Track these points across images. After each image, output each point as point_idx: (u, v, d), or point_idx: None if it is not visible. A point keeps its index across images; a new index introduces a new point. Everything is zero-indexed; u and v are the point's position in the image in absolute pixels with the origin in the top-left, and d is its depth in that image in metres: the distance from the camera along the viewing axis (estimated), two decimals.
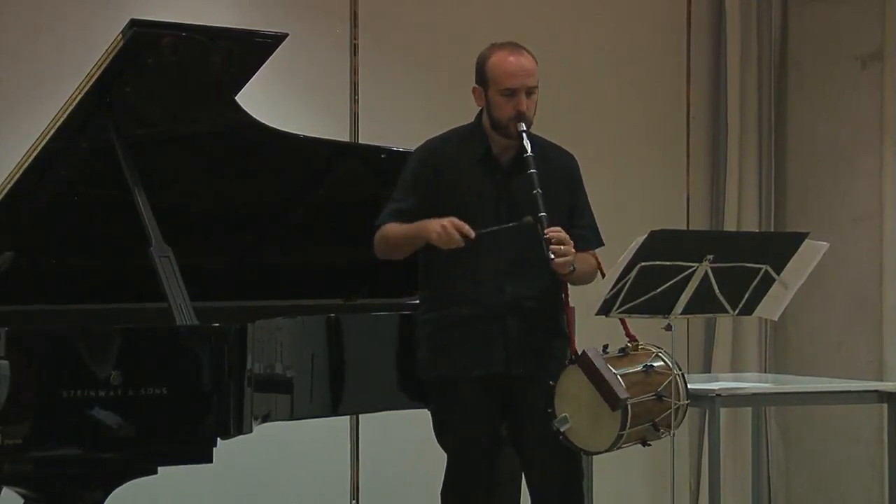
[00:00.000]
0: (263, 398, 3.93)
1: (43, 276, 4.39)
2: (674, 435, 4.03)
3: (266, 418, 3.97)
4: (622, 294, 3.95)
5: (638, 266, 3.90)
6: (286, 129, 4.41)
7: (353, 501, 6.06)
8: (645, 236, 3.88)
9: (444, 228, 3.93)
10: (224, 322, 3.78)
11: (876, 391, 4.86)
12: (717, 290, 4.04)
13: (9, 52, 5.46)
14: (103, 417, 3.56)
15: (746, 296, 4.11)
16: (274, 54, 4.03)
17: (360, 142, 5.93)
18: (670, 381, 3.97)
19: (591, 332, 4.18)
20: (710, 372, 6.60)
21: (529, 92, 4.06)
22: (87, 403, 3.54)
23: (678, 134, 6.82)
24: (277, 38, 3.99)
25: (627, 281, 3.92)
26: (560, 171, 4.17)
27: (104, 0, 5.53)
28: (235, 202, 4.59)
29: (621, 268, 3.92)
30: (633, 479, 6.51)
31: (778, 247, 4.12)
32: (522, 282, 4.09)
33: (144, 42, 3.79)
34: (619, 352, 4.04)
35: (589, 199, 4.27)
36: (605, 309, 3.99)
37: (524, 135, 4.03)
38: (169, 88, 4.05)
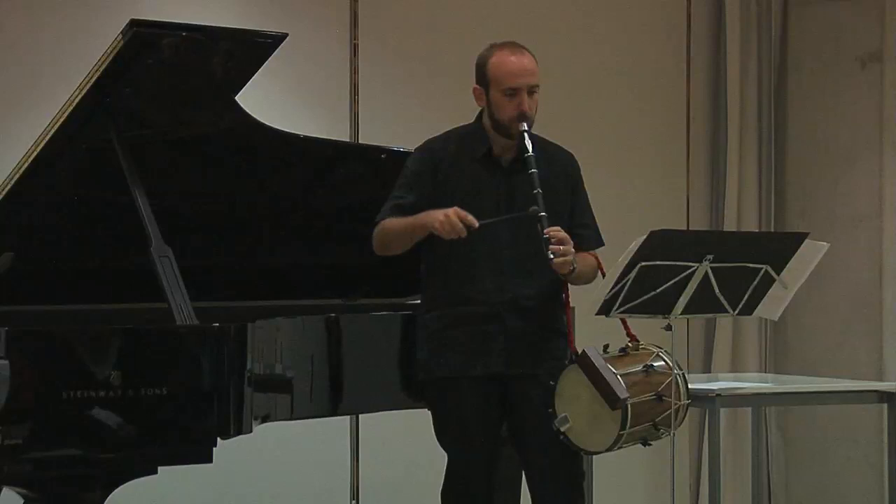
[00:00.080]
0: (263, 398, 3.93)
1: (43, 276, 4.38)
2: (674, 435, 4.03)
3: (266, 418, 3.97)
4: (622, 294, 3.95)
5: (638, 266, 3.90)
6: (286, 129, 4.41)
7: (353, 501, 6.06)
8: (645, 236, 3.88)
9: (448, 217, 3.93)
10: (224, 322, 3.78)
11: (876, 391, 4.86)
12: (717, 290, 4.04)
13: (9, 52, 5.46)
14: (103, 418, 3.56)
15: (746, 296, 4.11)
16: (274, 54, 4.02)
17: (360, 142, 5.93)
18: (671, 381, 3.97)
19: (592, 332, 4.18)
20: (710, 372, 6.60)
21: (531, 91, 4.06)
22: (86, 404, 3.54)
23: (678, 134, 6.82)
24: (277, 38, 3.98)
25: (627, 281, 3.92)
26: (560, 170, 4.18)
27: (104, 0, 5.53)
28: (235, 202, 4.59)
29: (621, 268, 3.92)
30: (633, 479, 6.51)
31: (778, 247, 4.12)
32: (522, 281, 4.09)
33: (144, 42, 3.79)
34: (620, 351, 4.04)
35: (589, 199, 4.27)
36: (605, 309, 3.99)
37: (525, 135, 4.03)
38: (169, 88, 4.05)
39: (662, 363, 4.02)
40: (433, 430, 4.21)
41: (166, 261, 3.87)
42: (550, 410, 3.98)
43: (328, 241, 4.87)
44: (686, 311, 4.06)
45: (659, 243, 3.90)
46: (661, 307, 4.03)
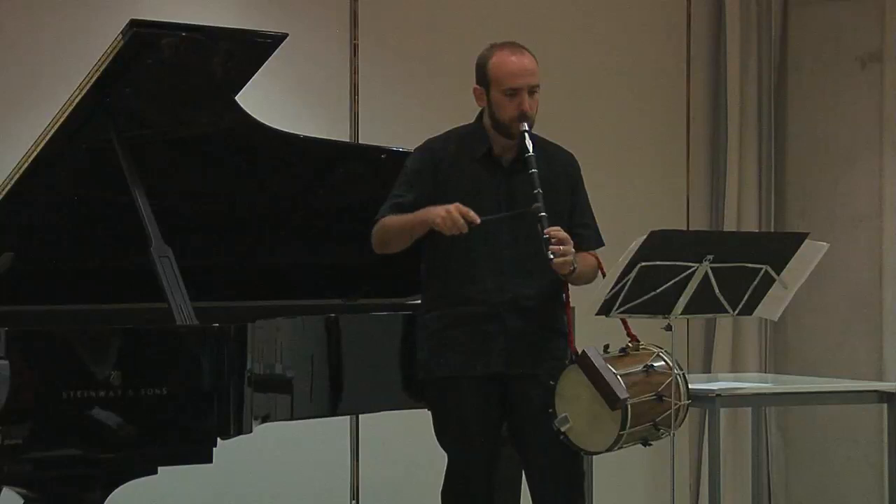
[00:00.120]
0: (263, 398, 3.93)
1: (43, 276, 4.38)
2: (674, 435, 4.03)
3: (266, 418, 3.97)
4: (622, 294, 3.95)
5: (638, 266, 3.90)
6: (286, 129, 4.40)
7: (353, 501, 6.06)
8: (645, 236, 3.88)
9: (449, 213, 3.93)
10: (224, 322, 3.78)
11: (876, 391, 4.86)
12: (717, 290, 4.04)
13: (9, 52, 5.46)
14: (103, 418, 3.56)
15: (746, 296, 4.11)
16: (274, 54, 4.02)
17: (360, 142, 5.93)
18: (671, 381, 3.97)
19: (592, 332, 4.18)
20: (710, 372, 6.60)
21: (532, 91, 4.06)
22: (86, 404, 3.54)
23: (678, 134, 6.81)
24: (277, 38, 3.98)
25: (627, 281, 3.92)
26: (561, 170, 4.18)
27: (104, 0, 5.53)
28: (235, 202, 4.59)
29: (621, 268, 3.92)
30: (633, 479, 6.51)
31: (778, 247, 4.12)
32: (522, 281, 4.09)
33: (144, 42, 3.79)
34: (620, 351, 4.04)
35: (589, 198, 4.27)
36: (605, 309, 3.99)
37: (526, 134, 4.03)
38: (169, 88, 4.05)
39: (663, 363, 4.02)
40: (433, 430, 4.21)
41: (166, 261, 3.87)
42: (551, 410, 3.98)
43: (328, 241, 4.87)
44: (686, 311, 4.06)
45: (659, 243, 3.90)
46: (661, 307, 4.03)
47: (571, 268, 3.95)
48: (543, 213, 3.92)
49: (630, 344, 4.07)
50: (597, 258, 4.17)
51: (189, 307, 3.81)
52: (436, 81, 6.09)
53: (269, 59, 4.04)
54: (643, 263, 3.90)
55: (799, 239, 4.10)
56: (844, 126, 6.64)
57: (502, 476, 4.33)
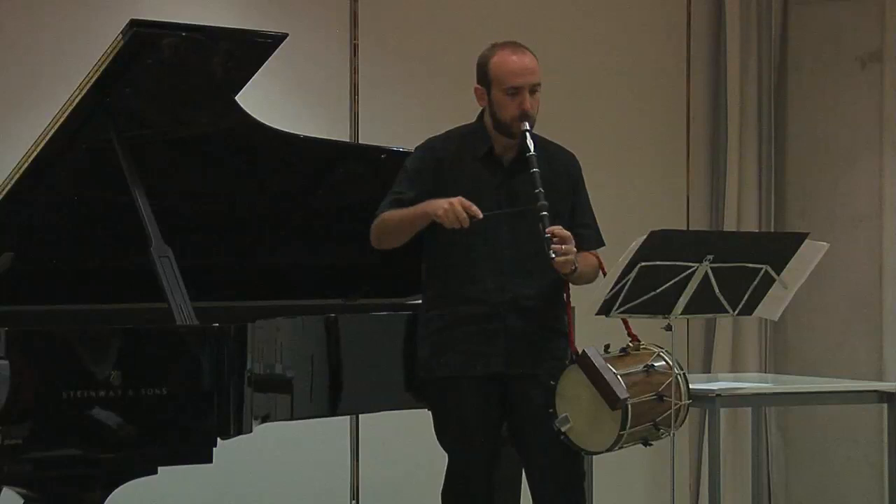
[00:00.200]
0: (263, 398, 3.93)
1: (43, 276, 4.38)
2: (674, 435, 4.03)
3: (266, 418, 3.97)
4: (622, 294, 3.95)
5: (638, 266, 3.90)
6: (286, 129, 4.40)
7: (353, 501, 6.06)
8: (645, 236, 3.87)
9: (452, 205, 3.92)
10: (224, 322, 3.78)
11: (876, 391, 4.86)
12: (717, 290, 4.04)
13: (9, 52, 5.46)
14: (103, 418, 3.56)
15: (746, 296, 4.11)
16: (274, 54, 4.02)
17: (360, 142, 5.93)
18: (671, 381, 3.97)
19: (593, 331, 4.18)
20: (710, 372, 6.60)
21: (533, 90, 4.06)
22: (86, 404, 3.54)
23: (678, 134, 6.82)
24: (277, 38, 3.98)
25: (627, 281, 3.92)
26: (562, 170, 4.18)
27: (104, 0, 5.53)
28: (235, 202, 4.58)
29: (621, 268, 3.92)
30: (633, 479, 6.51)
31: (778, 247, 4.12)
32: (523, 281, 4.09)
33: (144, 42, 3.78)
34: (621, 351, 4.04)
35: (590, 198, 4.27)
36: (605, 309, 3.99)
37: (527, 134, 4.03)
38: (169, 88, 4.04)
39: (663, 363, 4.02)
40: (433, 430, 4.21)
41: (166, 261, 3.87)
42: (551, 410, 3.98)
43: (328, 241, 4.87)
44: (686, 311, 4.06)
45: (659, 243, 3.89)
46: (661, 307, 4.03)
47: (573, 267, 3.95)
48: (545, 213, 3.92)
49: (631, 344, 4.07)
50: (598, 258, 4.17)
51: (189, 307, 3.80)
52: (436, 81, 6.09)
53: (269, 59, 4.04)
54: (643, 263, 3.90)
55: (799, 239, 4.10)
56: (844, 126, 6.64)
57: (502, 476, 4.33)
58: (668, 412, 3.97)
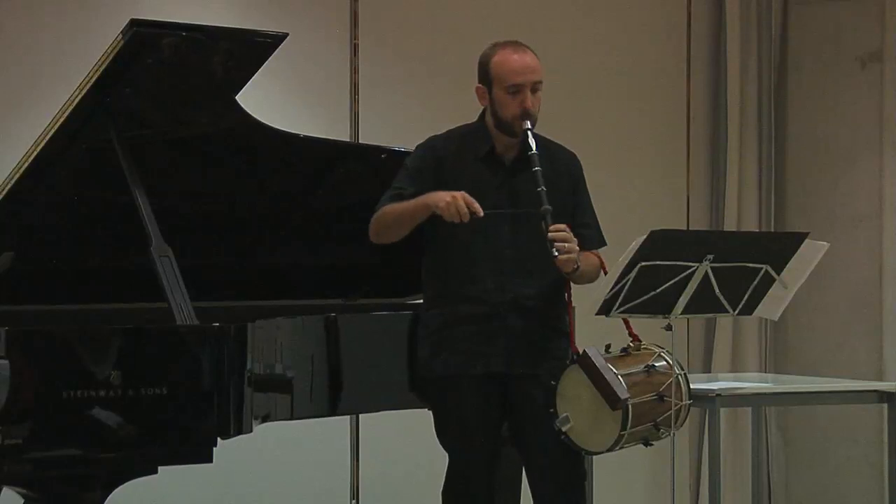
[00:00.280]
0: (263, 398, 3.93)
1: (43, 276, 4.38)
2: (674, 435, 4.03)
3: (266, 418, 3.97)
4: (622, 294, 3.95)
5: (638, 266, 3.90)
6: (286, 129, 4.40)
7: (353, 501, 6.06)
8: (645, 236, 3.87)
9: (455, 199, 3.92)
10: (224, 322, 3.78)
11: (876, 391, 4.86)
12: (717, 290, 4.03)
13: (9, 52, 5.46)
14: (103, 417, 3.55)
15: (746, 296, 4.10)
16: (274, 54, 4.02)
17: (360, 142, 5.93)
18: (672, 382, 3.97)
19: (594, 331, 4.18)
20: (710, 372, 6.60)
21: (534, 89, 4.06)
22: (86, 403, 3.54)
23: (678, 134, 6.82)
24: (277, 38, 3.98)
25: (627, 281, 3.92)
26: (563, 170, 4.17)
27: (104, 0, 5.53)
28: (235, 202, 4.59)
29: (621, 268, 3.92)
30: (633, 479, 6.51)
31: (778, 247, 4.12)
32: (523, 281, 4.09)
33: (144, 42, 3.78)
34: (622, 351, 4.04)
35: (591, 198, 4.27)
36: (605, 309, 3.99)
37: (529, 132, 4.03)
38: (169, 88, 4.04)
39: (664, 363, 4.02)
40: (433, 430, 4.21)
41: (166, 260, 3.87)
42: (552, 410, 3.98)
43: (328, 241, 4.87)
44: (686, 311, 4.06)
45: (659, 243, 3.89)
46: (661, 307, 4.03)
47: (575, 265, 3.94)
48: (548, 207, 3.91)
49: (632, 344, 4.07)
50: (599, 257, 4.16)
51: (189, 307, 3.80)
52: (436, 81, 6.09)
53: (269, 59, 4.04)
54: (643, 263, 3.90)
55: (799, 239, 4.10)
56: (844, 126, 6.64)
57: (502, 476, 4.33)
58: (669, 412, 3.97)
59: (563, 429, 3.97)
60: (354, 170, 4.67)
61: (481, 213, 3.92)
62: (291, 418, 4.18)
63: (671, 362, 4.01)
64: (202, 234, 4.53)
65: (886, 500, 4.87)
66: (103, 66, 3.80)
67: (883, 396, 4.79)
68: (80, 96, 3.85)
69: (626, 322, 4.13)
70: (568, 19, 6.53)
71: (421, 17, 6.23)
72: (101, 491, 3.61)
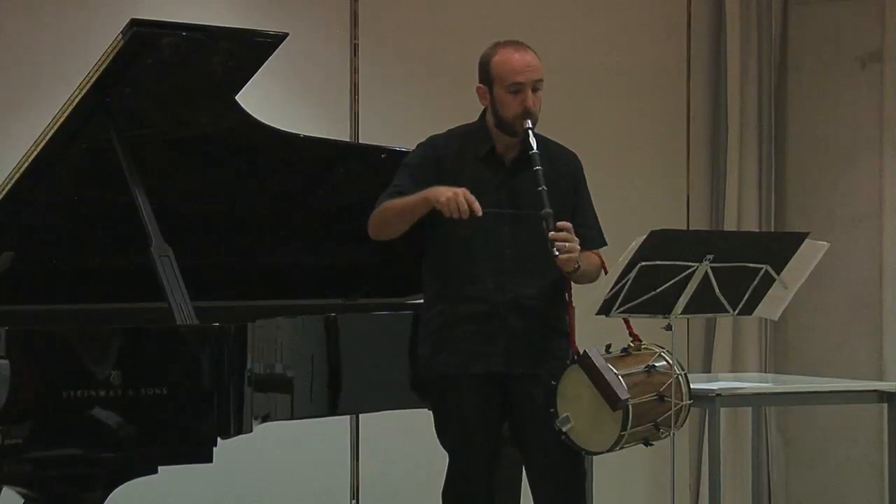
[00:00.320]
0: (263, 398, 3.93)
1: (43, 276, 4.38)
2: (674, 435, 4.03)
3: (266, 418, 3.97)
4: (622, 294, 3.94)
5: (638, 266, 3.90)
6: (286, 129, 4.40)
7: (353, 501, 6.06)
8: (645, 236, 3.87)
9: (456, 195, 3.90)
10: (224, 322, 3.78)
11: (876, 391, 4.86)
12: (717, 290, 4.03)
13: (9, 52, 5.46)
14: (103, 417, 3.55)
15: (746, 296, 4.10)
16: (274, 54, 4.02)
17: (360, 142, 5.93)
18: (672, 382, 3.97)
19: (594, 331, 4.18)
20: (710, 372, 6.60)
21: (535, 87, 4.05)
22: (86, 403, 3.54)
23: (678, 134, 6.82)
24: (277, 38, 3.98)
25: (627, 281, 3.92)
26: (563, 170, 4.17)
27: (104, 0, 5.53)
28: (235, 202, 4.58)
29: (621, 268, 3.92)
30: (633, 479, 6.51)
31: (778, 247, 4.12)
32: (523, 281, 4.09)
33: (144, 42, 3.78)
34: (622, 352, 4.04)
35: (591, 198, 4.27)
36: (605, 309, 3.99)
37: (530, 132, 4.02)
38: (169, 88, 4.04)
39: (664, 363, 4.02)
40: (433, 430, 4.20)
41: (166, 260, 3.87)
42: (552, 410, 3.98)
43: (328, 241, 4.86)
44: (686, 311, 4.06)
45: (659, 243, 3.89)
46: (661, 307, 4.03)
47: (576, 265, 3.94)
48: (549, 211, 3.91)
49: (632, 344, 4.07)
50: (600, 257, 4.16)
51: (189, 307, 3.80)
52: (436, 81, 6.09)
53: (269, 59, 4.04)
54: (643, 263, 3.90)
55: (799, 239, 4.10)
56: (844, 126, 6.64)
57: (502, 476, 4.32)
58: (669, 412, 3.97)
59: (564, 429, 3.97)
60: (354, 170, 4.67)
61: (479, 213, 3.92)
62: (291, 418, 4.18)
63: (671, 362, 4.01)
64: (202, 233, 4.53)
65: (886, 500, 4.87)
66: (103, 66, 3.80)
67: (883, 396, 4.79)
68: (80, 96, 3.85)
69: (626, 322, 4.12)
70: (568, 19, 6.53)
71: (421, 17, 6.23)
72: (101, 491, 3.61)
